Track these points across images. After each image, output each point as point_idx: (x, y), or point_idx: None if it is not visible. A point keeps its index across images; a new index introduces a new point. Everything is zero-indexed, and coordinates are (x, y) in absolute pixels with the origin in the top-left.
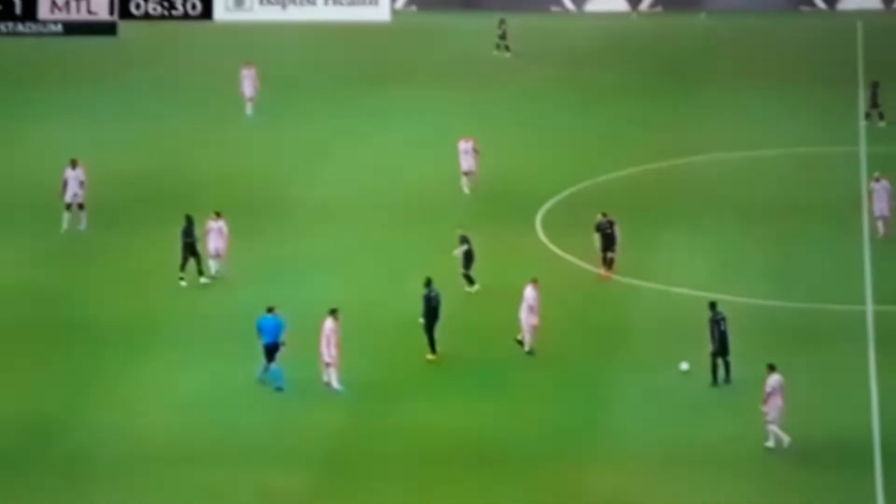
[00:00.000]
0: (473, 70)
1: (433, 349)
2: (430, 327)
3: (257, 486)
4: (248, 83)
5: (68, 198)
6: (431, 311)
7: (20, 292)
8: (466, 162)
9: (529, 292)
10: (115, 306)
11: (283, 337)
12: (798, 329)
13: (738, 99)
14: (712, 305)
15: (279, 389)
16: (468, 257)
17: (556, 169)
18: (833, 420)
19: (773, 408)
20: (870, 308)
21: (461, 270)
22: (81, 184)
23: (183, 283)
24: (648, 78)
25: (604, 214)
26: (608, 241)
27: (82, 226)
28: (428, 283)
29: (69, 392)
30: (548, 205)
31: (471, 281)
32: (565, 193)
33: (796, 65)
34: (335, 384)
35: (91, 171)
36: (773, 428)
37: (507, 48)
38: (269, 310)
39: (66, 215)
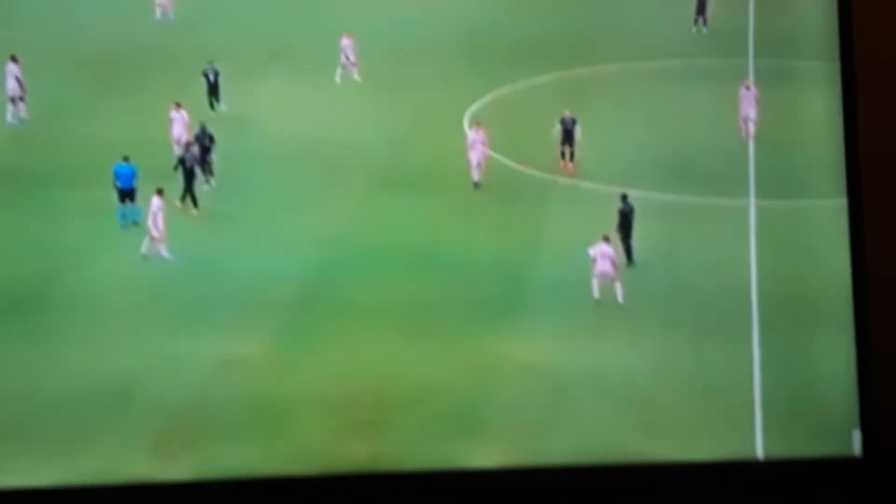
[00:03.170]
0: None
1: (195, 205)
2: (189, 185)
3: (219, 354)
4: None
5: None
6: (188, 171)
7: None
8: (346, 56)
9: (473, 134)
10: (84, 187)
11: (136, 183)
12: (690, 218)
13: (645, 14)
14: (623, 197)
15: (136, 223)
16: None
17: (479, 75)
18: (716, 287)
19: (598, 270)
20: (752, 201)
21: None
22: (17, 79)
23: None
24: None
25: (570, 112)
26: (567, 136)
27: (23, 114)
28: (187, 145)
29: (41, 263)
30: (473, 107)
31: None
32: (488, 98)
33: None
34: (164, 253)
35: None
36: (595, 282)
37: None
38: (125, 158)
39: (9, 107)
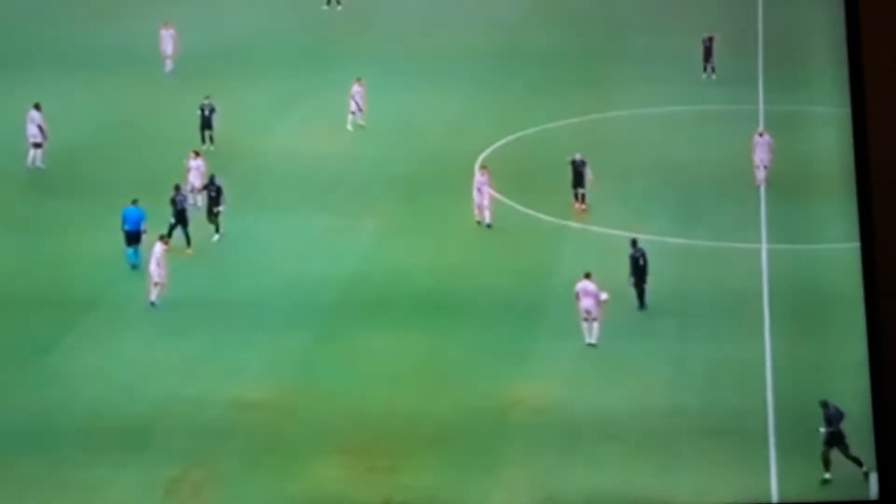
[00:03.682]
0: (411, 30)
1: (188, 244)
2: (182, 226)
3: (232, 397)
4: (166, 41)
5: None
6: (178, 213)
7: None
8: (355, 103)
9: (478, 177)
10: (98, 231)
11: (144, 226)
12: (702, 262)
13: (656, 61)
14: (633, 242)
15: (134, 267)
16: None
17: (492, 122)
18: (728, 330)
19: (582, 307)
20: (764, 246)
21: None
22: (40, 126)
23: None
24: (574, 41)
25: (580, 154)
26: (578, 177)
27: (39, 163)
28: (176, 187)
29: (55, 307)
30: (486, 153)
31: None
32: (500, 143)
33: (704, 25)
34: (153, 298)
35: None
36: (584, 325)
37: (337, 2)
38: (134, 202)
39: (31, 153)
